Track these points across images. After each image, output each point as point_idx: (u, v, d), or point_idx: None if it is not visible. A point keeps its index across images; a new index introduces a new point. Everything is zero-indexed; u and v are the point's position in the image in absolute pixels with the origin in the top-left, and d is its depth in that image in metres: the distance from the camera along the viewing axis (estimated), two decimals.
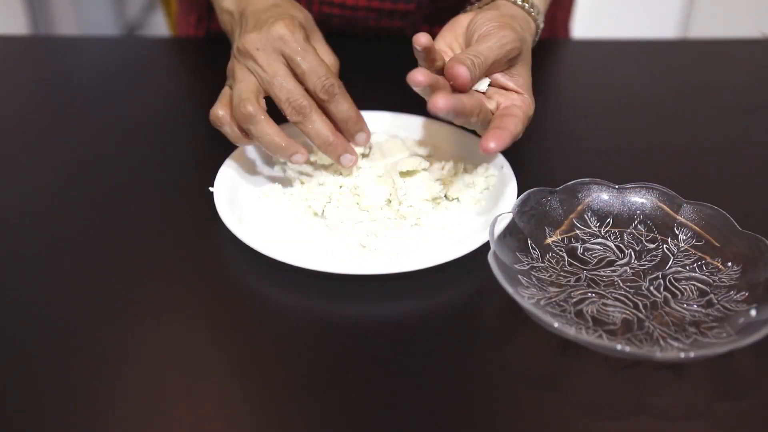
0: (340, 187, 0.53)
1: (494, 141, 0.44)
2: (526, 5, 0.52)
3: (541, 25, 0.53)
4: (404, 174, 0.53)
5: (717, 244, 0.47)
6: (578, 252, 0.48)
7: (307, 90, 0.51)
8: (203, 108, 0.70)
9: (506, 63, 0.48)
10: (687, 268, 0.46)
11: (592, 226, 0.49)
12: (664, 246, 0.48)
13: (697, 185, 0.57)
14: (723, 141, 0.64)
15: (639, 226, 0.49)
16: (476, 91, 0.49)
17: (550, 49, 0.83)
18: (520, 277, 0.44)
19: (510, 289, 0.40)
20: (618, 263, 0.47)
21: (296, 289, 0.46)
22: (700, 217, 0.48)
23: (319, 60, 0.51)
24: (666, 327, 0.42)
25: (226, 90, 0.54)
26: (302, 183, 0.55)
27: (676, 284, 0.45)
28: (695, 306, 0.43)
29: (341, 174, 0.54)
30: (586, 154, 0.62)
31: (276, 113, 0.52)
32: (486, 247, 0.44)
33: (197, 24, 0.83)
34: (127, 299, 0.45)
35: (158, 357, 0.41)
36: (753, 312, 0.41)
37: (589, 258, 0.47)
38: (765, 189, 0.57)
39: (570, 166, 0.60)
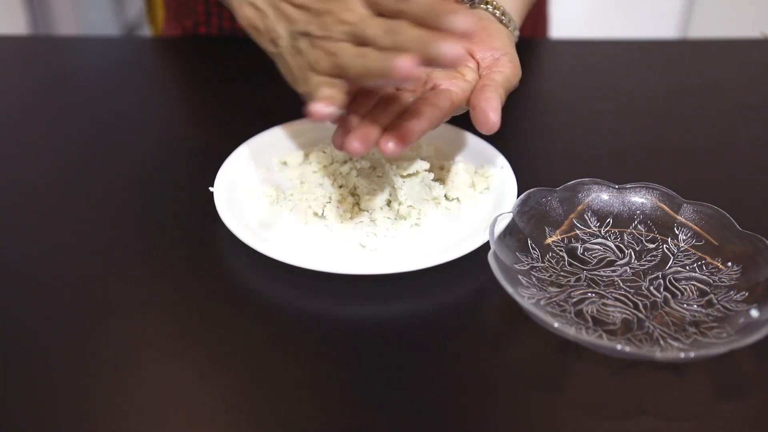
0: (340, 187, 0.53)
1: (490, 113, 0.43)
2: (504, 19, 0.51)
3: (516, 39, 0.52)
4: (404, 174, 0.53)
5: (717, 244, 0.47)
6: (578, 252, 0.48)
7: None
8: (203, 107, 0.70)
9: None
10: (687, 268, 0.46)
11: (592, 226, 0.49)
12: (664, 246, 0.48)
13: (697, 185, 0.57)
14: (723, 141, 0.64)
15: (639, 226, 0.49)
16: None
17: (551, 49, 0.83)
18: (520, 277, 0.44)
19: (510, 289, 0.40)
20: (618, 263, 0.47)
21: (296, 289, 0.46)
22: (700, 217, 0.48)
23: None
24: (666, 327, 0.42)
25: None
26: (302, 183, 0.55)
27: (676, 284, 0.45)
28: (695, 306, 0.43)
29: (341, 174, 0.54)
30: (586, 154, 0.62)
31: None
32: (486, 247, 0.44)
33: (193, 29, 0.83)
34: (127, 299, 0.45)
35: (158, 357, 0.41)
36: (753, 312, 0.41)
37: (589, 258, 0.47)
38: (765, 189, 0.57)
39: (570, 166, 0.60)
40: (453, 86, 0.46)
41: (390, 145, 0.41)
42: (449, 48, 0.36)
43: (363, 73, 0.39)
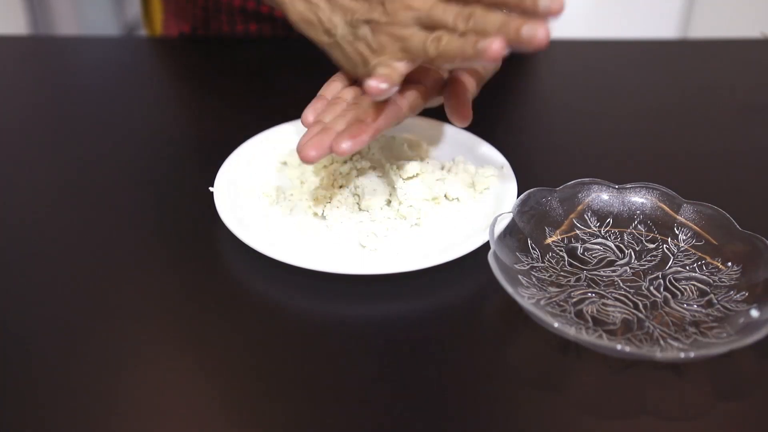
0: (340, 187, 0.53)
1: (457, 119, 0.46)
2: None
3: None
4: (404, 177, 0.53)
5: (717, 244, 0.47)
6: (578, 252, 0.48)
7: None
8: (204, 107, 0.70)
9: None
10: (687, 268, 0.46)
11: (592, 226, 0.49)
12: (664, 246, 0.48)
13: (697, 185, 0.57)
14: (723, 141, 0.64)
15: (639, 226, 0.49)
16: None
17: (551, 50, 0.83)
18: (520, 277, 0.44)
19: (510, 289, 0.40)
20: (618, 263, 0.47)
21: (296, 289, 0.46)
22: (700, 217, 0.48)
23: None
24: (666, 327, 0.42)
25: None
26: (302, 183, 0.55)
27: (676, 284, 0.45)
28: (695, 306, 0.43)
29: (341, 174, 0.54)
30: (586, 154, 0.62)
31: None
32: (486, 247, 0.44)
33: (192, 34, 0.83)
34: (127, 299, 0.45)
35: (158, 357, 0.41)
36: (753, 312, 0.41)
37: (589, 258, 0.47)
38: (765, 189, 0.57)
39: (570, 166, 0.60)
40: (420, 82, 0.48)
41: (343, 146, 0.43)
42: (538, 29, 0.37)
43: (444, 55, 0.41)
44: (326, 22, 0.47)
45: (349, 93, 0.49)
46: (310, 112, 0.47)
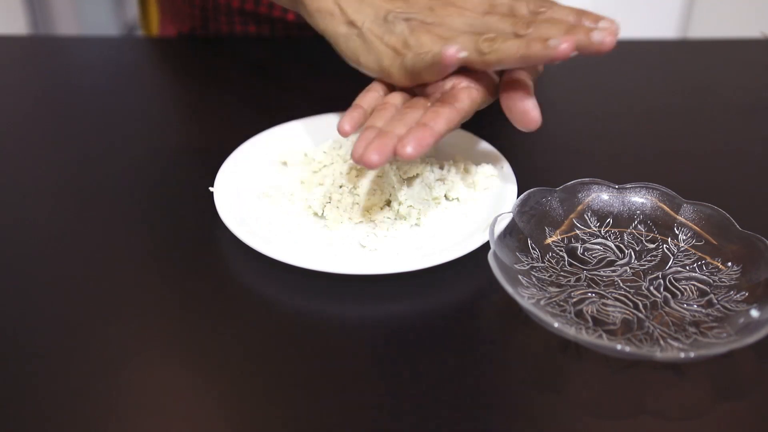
0: (340, 187, 0.53)
1: (531, 111, 0.44)
2: None
3: None
4: (405, 177, 0.53)
5: (717, 244, 0.47)
6: (578, 252, 0.48)
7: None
8: (204, 107, 0.70)
9: None
10: (687, 268, 0.46)
11: (592, 226, 0.49)
12: (664, 246, 0.48)
13: (697, 185, 0.57)
14: (723, 141, 0.64)
15: (639, 226, 0.49)
16: None
17: None
18: (520, 277, 0.44)
19: (510, 289, 0.40)
20: (618, 263, 0.47)
21: (296, 289, 0.46)
22: (700, 217, 0.48)
23: None
24: (666, 327, 0.42)
25: None
26: (302, 183, 0.55)
27: (676, 284, 0.45)
28: (695, 306, 0.43)
29: (341, 174, 0.54)
30: (586, 154, 0.62)
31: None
32: (486, 247, 0.44)
33: (190, 33, 0.83)
34: (127, 299, 0.45)
35: (158, 357, 0.41)
36: (753, 312, 0.41)
37: (589, 258, 0.47)
38: (765, 189, 0.57)
39: (570, 166, 0.60)
40: (473, 83, 0.47)
41: (408, 150, 0.42)
42: (607, 36, 0.41)
43: (499, 54, 0.43)
44: (351, 13, 0.49)
45: (397, 98, 0.48)
46: (347, 122, 0.47)
